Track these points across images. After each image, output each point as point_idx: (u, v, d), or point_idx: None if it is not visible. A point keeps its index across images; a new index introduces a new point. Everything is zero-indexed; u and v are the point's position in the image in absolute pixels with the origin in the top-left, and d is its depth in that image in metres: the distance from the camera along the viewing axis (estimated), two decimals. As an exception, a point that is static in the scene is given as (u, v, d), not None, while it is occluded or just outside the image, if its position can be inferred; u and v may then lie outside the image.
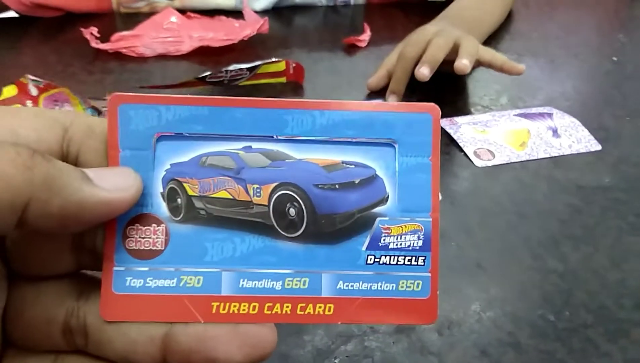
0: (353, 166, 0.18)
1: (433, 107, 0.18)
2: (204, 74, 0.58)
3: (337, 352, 0.34)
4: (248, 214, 0.18)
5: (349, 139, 0.18)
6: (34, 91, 0.53)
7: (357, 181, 0.18)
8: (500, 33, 0.77)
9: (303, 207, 0.18)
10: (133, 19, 0.75)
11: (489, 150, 0.52)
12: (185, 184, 0.18)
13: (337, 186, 0.18)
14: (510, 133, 0.55)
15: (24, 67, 0.66)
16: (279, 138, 0.18)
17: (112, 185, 0.16)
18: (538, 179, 0.50)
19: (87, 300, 0.18)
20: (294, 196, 0.18)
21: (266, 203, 0.18)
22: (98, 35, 0.69)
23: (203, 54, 0.68)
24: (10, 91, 0.53)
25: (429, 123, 0.18)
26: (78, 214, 0.15)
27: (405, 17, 0.83)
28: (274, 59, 0.61)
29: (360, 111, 0.18)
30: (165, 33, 0.70)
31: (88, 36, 0.69)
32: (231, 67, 0.59)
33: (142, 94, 0.17)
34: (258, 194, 0.18)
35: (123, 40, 0.68)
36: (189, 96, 0.18)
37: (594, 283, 0.39)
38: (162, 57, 0.68)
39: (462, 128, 0.55)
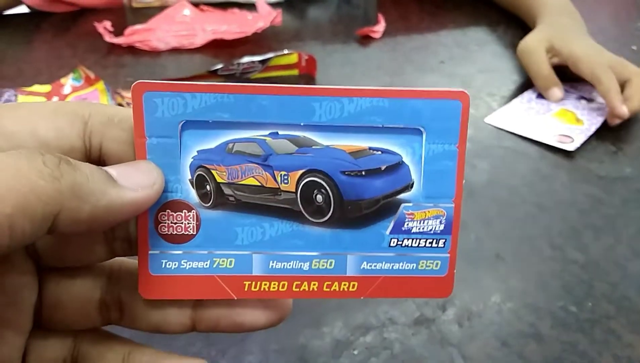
0: (380, 153, 0.18)
1: (462, 94, 0.18)
2: (216, 67, 0.58)
3: (356, 343, 0.34)
4: (276, 201, 0.18)
5: (377, 126, 0.18)
6: (67, 90, 0.54)
7: (383, 168, 0.18)
8: (519, 22, 0.76)
9: (330, 194, 0.18)
10: (145, 13, 0.75)
11: (564, 135, 0.52)
12: (213, 171, 0.18)
13: (363, 172, 0.18)
14: (561, 113, 0.54)
15: (40, 61, 0.66)
16: (305, 124, 0.18)
17: (136, 183, 0.16)
18: (557, 169, 0.49)
19: (120, 278, 0.19)
20: (321, 183, 0.18)
21: (294, 190, 0.18)
22: (111, 29, 0.70)
23: (216, 47, 0.68)
24: (44, 88, 0.54)
25: (458, 110, 0.18)
26: (106, 217, 0.15)
27: (419, 7, 0.82)
28: (285, 51, 0.60)
29: (389, 98, 0.18)
30: (179, 26, 0.70)
31: (102, 30, 0.69)
32: (243, 60, 0.59)
33: (167, 82, 0.17)
34: (286, 181, 0.18)
35: (136, 34, 0.69)
36: (215, 83, 0.18)
37: (615, 274, 0.39)
38: (176, 50, 0.68)
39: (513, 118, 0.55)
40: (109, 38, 0.68)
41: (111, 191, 0.15)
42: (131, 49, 0.68)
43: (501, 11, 0.79)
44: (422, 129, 0.18)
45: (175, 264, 0.18)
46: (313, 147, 0.18)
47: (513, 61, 0.67)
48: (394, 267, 0.18)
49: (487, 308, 0.36)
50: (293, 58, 0.61)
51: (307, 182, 0.18)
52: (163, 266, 0.18)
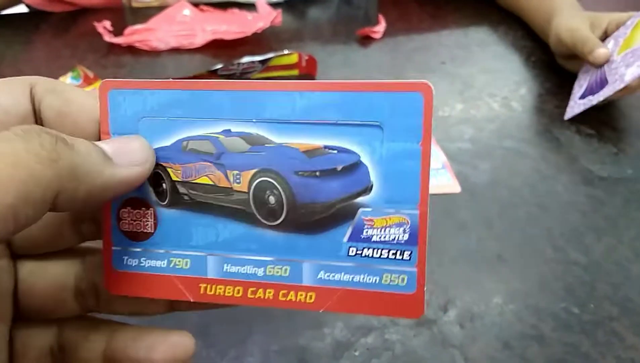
0: (336, 151, 0.17)
1: (424, 86, 0.16)
2: (216, 67, 0.58)
3: (357, 344, 0.34)
4: (229, 201, 0.18)
5: (332, 122, 0.16)
6: None
7: (339, 168, 0.17)
8: (520, 23, 0.75)
9: (283, 195, 0.17)
10: (145, 13, 0.75)
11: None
12: (169, 169, 0.18)
13: (317, 173, 0.17)
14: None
15: (39, 61, 0.66)
16: (258, 120, 0.17)
17: (129, 160, 0.16)
18: (559, 170, 0.49)
19: (93, 264, 0.19)
20: (274, 184, 0.17)
21: (246, 190, 0.17)
22: (111, 29, 0.69)
23: (216, 47, 0.68)
24: None
25: (420, 104, 0.16)
26: (102, 195, 0.16)
27: (420, 8, 0.82)
28: (285, 52, 0.60)
29: (343, 91, 0.16)
30: (179, 26, 0.70)
31: (101, 30, 0.69)
32: (243, 60, 0.59)
33: (130, 80, 0.17)
34: (238, 180, 0.17)
35: (136, 34, 0.68)
36: (171, 80, 0.17)
37: (617, 275, 0.39)
38: (176, 50, 0.68)
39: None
40: (108, 38, 0.68)
41: (106, 170, 0.15)
42: (131, 49, 0.67)
43: (503, 12, 0.79)
44: (381, 125, 0.16)
45: (135, 261, 0.18)
46: (266, 145, 0.17)
47: (514, 61, 0.67)
48: (355, 279, 0.17)
49: (489, 309, 0.36)
50: (293, 58, 0.61)
51: (259, 182, 0.17)
52: (125, 262, 0.18)
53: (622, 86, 0.51)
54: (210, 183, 0.18)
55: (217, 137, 0.17)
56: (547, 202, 0.45)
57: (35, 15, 0.77)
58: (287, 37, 0.72)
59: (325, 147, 0.16)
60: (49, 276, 0.19)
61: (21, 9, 0.79)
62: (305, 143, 0.17)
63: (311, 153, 0.17)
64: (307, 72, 0.62)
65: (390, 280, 0.17)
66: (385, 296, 0.17)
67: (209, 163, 0.17)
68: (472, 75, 0.63)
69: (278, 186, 0.17)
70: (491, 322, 0.35)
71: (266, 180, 0.17)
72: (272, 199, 0.17)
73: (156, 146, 0.17)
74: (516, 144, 0.52)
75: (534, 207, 0.45)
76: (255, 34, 0.69)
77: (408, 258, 0.17)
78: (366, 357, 0.33)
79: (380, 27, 0.72)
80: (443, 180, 0.47)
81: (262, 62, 0.60)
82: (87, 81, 0.55)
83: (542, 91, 0.60)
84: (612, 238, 0.42)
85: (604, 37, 0.57)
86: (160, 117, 0.17)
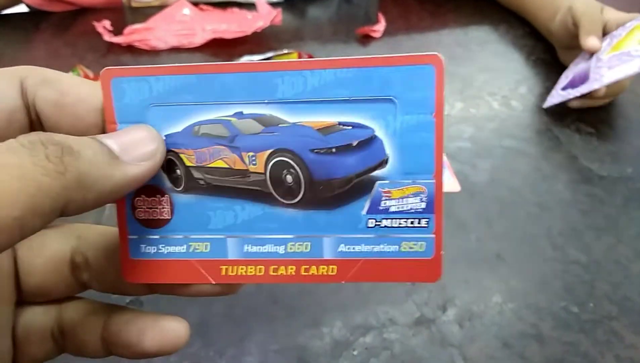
0: (350, 127, 0.17)
1: (435, 58, 0.16)
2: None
3: (355, 343, 0.34)
4: (246, 183, 0.18)
5: (345, 99, 0.17)
6: None
7: (354, 143, 0.17)
8: (521, 22, 0.75)
9: (300, 173, 0.17)
10: (144, 12, 0.75)
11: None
12: (182, 155, 0.18)
13: (333, 149, 0.17)
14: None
15: (38, 61, 0.66)
16: (270, 101, 0.17)
17: (137, 155, 0.16)
18: (558, 169, 0.49)
19: (87, 238, 0.19)
20: (290, 163, 0.17)
21: (263, 171, 0.17)
22: (111, 28, 0.69)
23: (216, 46, 0.68)
24: None
25: (432, 76, 0.16)
26: (113, 196, 0.16)
27: (420, 6, 0.81)
28: (285, 51, 0.60)
29: (354, 67, 0.16)
30: (178, 25, 0.70)
31: (101, 30, 0.69)
32: (243, 59, 0.59)
33: (133, 67, 0.17)
34: (254, 162, 0.18)
35: (136, 34, 0.68)
36: (176, 65, 0.17)
37: (617, 274, 0.38)
38: (175, 49, 0.67)
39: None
40: (108, 37, 0.68)
41: (116, 173, 0.15)
42: (130, 48, 0.67)
43: (503, 10, 0.78)
44: (393, 99, 0.16)
45: (154, 248, 0.18)
46: (279, 125, 0.17)
47: (515, 60, 0.67)
48: (375, 249, 0.17)
49: (488, 308, 0.36)
50: (293, 57, 0.61)
51: (275, 162, 0.17)
52: (142, 250, 0.18)
53: (598, 86, 0.51)
54: (226, 166, 0.18)
55: (230, 120, 0.17)
56: (546, 201, 0.45)
57: (35, 15, 0.77)
58: (287, 36, 0.72)
59: (340, 123, 0.17)
60: (47, 252, 0.19)
61: (21, 8, 0.79)
62: (319, 120, 0.17)
63: (326, 130, 0.17)
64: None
65: (410, 247, 0.17)
66: (404, 263, 0.17)
67: (223, 146, 0.17)
68: (472, 74, 0.63)
69: (295, 165, 0.17)
70: (490, 321, 0.35)
71: (282, 160, 0.17)
72: (289, 178, 0.17)
73: (166, 132, 0.17)
74: (516, 143, 0.52)
75: (533, 206, 0.45)
76: (255, 33, 0.69)
77: (426, 225, 0.17)
78: (365, 356, 0.33)
79: (380, 26, 0.72)
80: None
81: (262, 61, 0.60)
82: None
83: (542, 89, 0.60)
84: (611, 237, 0.42)
85: (603, 32, 0.57)
86: (168, 103, 0.17)
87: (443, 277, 0.40)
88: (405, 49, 0.69)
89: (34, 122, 0.17)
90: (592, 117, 0.55)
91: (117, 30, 0.69)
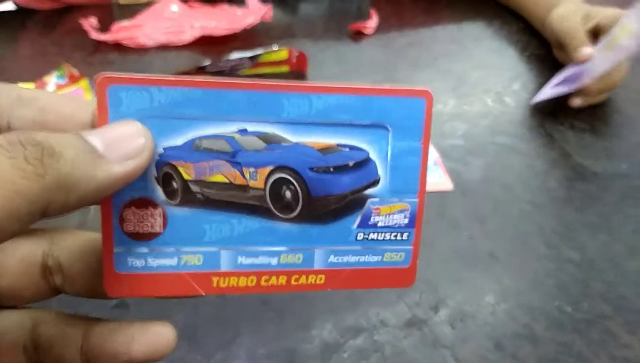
0: (347, 149, 0.18)
1: (426, 93, 0.18)
2: (204, 64, 0.57)
3: (346, 346, 0.33)
4: (245, 198, 0.18)
5: (344, 123, 0.18)
6: (50, 88, 0.53)
7: (351, 164, 0.18)
8: (515, 18, 0.75)
9: (299, 190, 0.18)
10: (132, 9, 0.74)
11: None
12: (180, 169, 0.18)
13: (331, 169, 0.18)
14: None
15: (25, 59, 0.65)
16: (274, 121, 0.18)
17: (123, 153, 0.15)
18: (552, 166, 0.48)
19: (59, 241, 0.19)
20: (290, 180, 0.18)
21: (262, 187, 0.18)
22: (98, 26, 0.68)
23: (205, 44, 0.67)
24: (27, 86, 0.53)
25: (423, 108, 0.18)
26: (96, 196, 0.15)
27: (413, 3, 0.81)
28: (275, 48, 0.59)
29: (356, 95, 0.18)
30: (166, 23, 0.69)
31: (87, 27, 0.68)
32: (232, 56, 0.58)
33: (132, 76, 0.17)
34: (254, 178, 0.18)
35: (123, 31, 0.67)
36: (182, 78, 0.17)
37: (611, 273, 0.38)
38: (164, 47, 0.66)
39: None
40: (95, 35, 0.66)
41: (99, 173, 0.15)
42: (118, 46, 0.66)
43: (497, 6, 0.78)
44: (388, 126, 0.18)
45: (142, 262, 0.18)
46: (282, 144, 0.18)
47: (508, 56, 0.66)
48: (361, 260, 0.19)
49: (481, 308, 0.35)
50: (283, 54, 0.60)
51: (276, 179, 0.18)
52: (129, 264, 0.18)
53: (589, 81, 0.51)
54: (226, 180, 0.18)
55: (233, 136, 0.18)
56: (540, 198, 0.44)
57: (21, 13, 0.76)
58: (277, 32, 0.71)
59: (339, 145, 0.18)
60: (18, 253, 0.19)
61: (8, 6, 0.77)
62: (320, 141, 0.18)
63: (325, 150, 0.18)
64: (298, 68, 0.61)
65: (391, 258, 0.19)
66: (384, 271, 0.19)
67: (224, 161, 0.18)
68: (466, 71, 0.63)
69: (294, 182, 0.18)
70: (483, 321, 0.35)
71: (283, 176, 0.18)
72: (288, 194, 0.18)
73: (165, 145, 0.17)
74: (509, 140, 0.51)
75: (526, 204, 0.44)
76: (245, 30, 0.68)
77: (407, 238, 0.19)
78: (355, 358, 0.32)
79: (373, 23, 0.71)
80: (435, 177, 0.46)
81: (252, 58, 0.59)
82: (73, 80, 0.54)
83: (536, 86, 0.60)
84: (606, 235, 0.41)
85: (595, 30, 0.56)
86: (169, 115, 0.17)
87: (435, 277, 0.39)
88: (398, 45, 0.68)
89: None
90: (585, 113, 0.55)
91: (104, 28, 0.68)
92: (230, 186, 0.18)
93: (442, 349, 0.33)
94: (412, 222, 0.19)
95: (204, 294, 0.18)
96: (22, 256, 0.19)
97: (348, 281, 0.19)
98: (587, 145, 0.51)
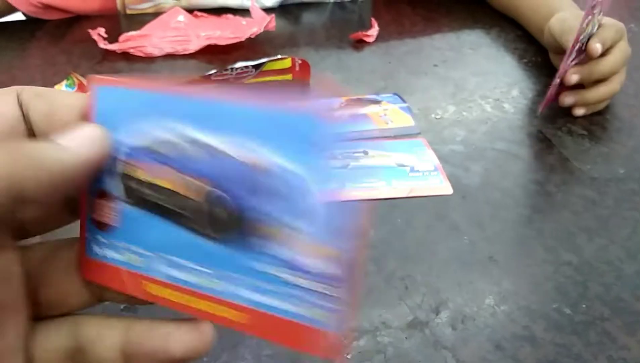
0: (284, 172, 0.16)
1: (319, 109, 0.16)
2: (210, 72, 0.58)
3: (348, 347, 0.34)
4: (184, 208, 0.18)
5: (287, 142, 0.16)
6: None
7: (284, 190, 0.16)
8: (513, 26, 0.76)
9: (232, 210, 0.17)
10: (139, 19, 0.75)
11: None
12: (138, 170, 0.18)
13: (264, 190, 0.16)
14: None
15: (34, 68, 0.66)
16: (220, 130, 0.17)
17: (84, 142, 0.17)
18: (550, 171, 0.49)
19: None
20: (225, 197, 0.17)
21: (201, 201, 0.17)
22: (106, 36, 0.70)
23: (211, 53, 0.68)
24: None
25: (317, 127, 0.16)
26: (65, 178, 0.16)
27: (413, 11, 0.82)
28: (279, 56, 0.60)
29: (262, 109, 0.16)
30: (173, 32, 0.70)
31: (96, 37, 0.69)
32: (237, 65, 0.59)
33: (116, 78, 0.18)
34: (193, 189, 0.18)
35: (131, 41, 0.69)
36: (154, 81, 0.18)
37: (609, 276, 0.39)
38: (170, 56, 0.68)
39: None
40: (103, 45, 0.68)
41: (63, 155, 0.16)
42: (125, 55, 0.68)
43: (495, 14, 0.79)
44: (332, 152, 0.16)
45: (101, 250, 0.19)
46: (224, 158, 0.17)
47: (507, 63, 0.67)
48: (285, 307, 0.16)
49: (481, 311, 0.36)
50: (286, 63, 0.61)
51: (212, 194, 0.17)
52: (94, 250, 0.19)
53: (566, 67, 0.52)
54: (170, 187, 0.18)
55: (181, 143, 0.17)
56: (538, 203, 0.45)
57: (30, 23, 0.78)
58: (281, 41, 0.73)
59: (277, 166, 0.16)
60: (58, 261, 0.19)
61: (18, 16, 0.79)
62: (259, 159, 0.16)
63: (262, 171, 0.16)
64: (301, 76, 0.62)
65: (313, 314, 0.16)
66: (304, 328, 0.16)
67: (172, 169, 0.18)
68: (465, 77, 0.64)
69: (229, 201, 0.17)
70: (483, 323, 0.35)
71: (218, 193, 0.17)
72: (221, 212, 0.17)
73: (133, 145, 0.18)
74: (508, 146, 0.52)
75: (525, 208, 0.45)
76: (249, 39, 0.69)
77: (336, 295, 0.15)
78: (358, 359, 0.33)
79: (374, 31, 0.72)
80: (435, 182, 0.47)
81: (256, 66, 0.60)
82: (82, 88, 0.55)
83: (534, 92, 0.61)
84: (603, 238, 0.42)
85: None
86: (141, 116, 0.18)
87: (436, 280, 0.40)
88: (399, 53, 0.70)
89: (29, 131, 0.19)
90: (583, 118, 0.56)
91: (112, 38, 0.69)
92: (172, 193, 0.18)
93: (443, 350, 0.34)
94: (345, 275, 0.15)
95: (132, 295, 0.19)
96: (63, 263, 0.19)
97: (261, 327, 0.16)
98: (585, 150, 0.52)
